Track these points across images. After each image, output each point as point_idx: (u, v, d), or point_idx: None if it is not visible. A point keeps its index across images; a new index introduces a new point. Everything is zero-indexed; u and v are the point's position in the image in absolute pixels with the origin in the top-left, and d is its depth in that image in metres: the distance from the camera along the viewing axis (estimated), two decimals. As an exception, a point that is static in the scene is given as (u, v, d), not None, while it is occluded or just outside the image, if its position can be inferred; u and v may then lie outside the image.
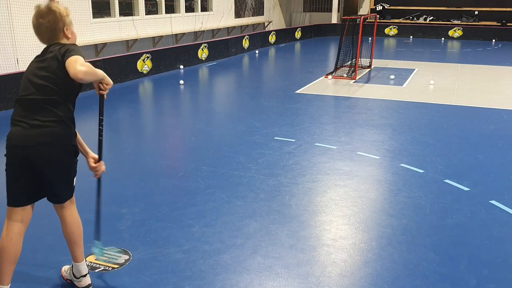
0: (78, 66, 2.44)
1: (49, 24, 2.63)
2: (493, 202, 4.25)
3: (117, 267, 3.19)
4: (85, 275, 2.92)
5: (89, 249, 3.39)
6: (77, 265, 2.91)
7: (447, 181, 4.72)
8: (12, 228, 2.65)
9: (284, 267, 3.21)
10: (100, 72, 2.66)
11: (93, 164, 2.96)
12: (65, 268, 3.06)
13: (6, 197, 2.68)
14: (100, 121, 2.92)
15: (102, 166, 2.99)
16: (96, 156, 2.97)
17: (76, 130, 2.77)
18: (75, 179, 2.81)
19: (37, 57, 2.70)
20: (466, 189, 4.53)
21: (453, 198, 4.32)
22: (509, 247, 3.51)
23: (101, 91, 2.79)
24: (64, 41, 2.70)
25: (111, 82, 2.75)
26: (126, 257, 3.31)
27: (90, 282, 2.95)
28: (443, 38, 19.81)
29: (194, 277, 3.09)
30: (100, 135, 2.93)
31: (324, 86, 9.93)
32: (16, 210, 2.66)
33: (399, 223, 3.85)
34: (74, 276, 2.93)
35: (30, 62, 2.74)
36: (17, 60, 8.39)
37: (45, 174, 2.64)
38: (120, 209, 4.04)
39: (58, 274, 3.11)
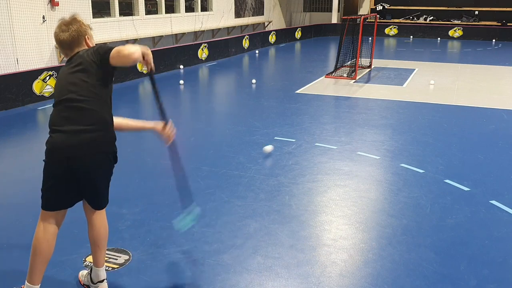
0: (126, 49, 2.40)
1: (74, 32, 2.66)
2: (493, 202, 4.25)
3: (117, 267, 3.19)
4: (102, 281, 2.89)
5: (90, 249, 3.40)
6: (97, 270, 2.87)
7: (447, 181, 4.72)
8: (48, 229, 2.68)
9: (284, 267, 3.21)
10: (139, 47, 2.47)
11: (163, 131, 2.99)
12: (83, 273, 3.02)
13: (39, 198, 2.68)
14: (155, 90, 2.91)
15: (172, 128, 2.99)
16: (160, 122, 2.97)
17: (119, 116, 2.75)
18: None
19: (67, 64, 2.68)
20: (466, 189, 4.53)
21: (453, 198, 4.32)
22: (509, 247, 3.50)
23: (146, 70, 2.69)
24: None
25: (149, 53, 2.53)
26: (126, 257, 3.31)
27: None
28: (439, 38, 19.80)
29: (194, 277, 3.08)
30: (158, 99, 2.92)
31: (324, 86, 9.93)
32: (51, 213, 2.68)
33: (399, 223, 3.85)
34: (92, 281, 2.90)
35: (61, 70, 2.72)
36: (17, 60, 8.39)
37: (87, 182, 2.67)
38: (120, 209, 4.04)
39: (74, 274, 3.11)
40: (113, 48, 2.48)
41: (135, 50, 2.39)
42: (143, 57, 2.46)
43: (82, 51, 2.64)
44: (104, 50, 2.52)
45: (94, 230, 2.81)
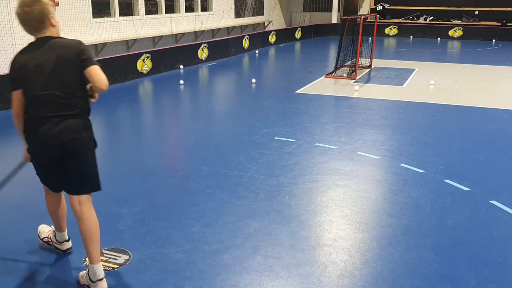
0: (106, 80, 2.73)
1: (36, 13, 2.72)
2: (493, 202, 4.25)
3: (117, 267, 3.19)
4: (101, 279, 2.87)
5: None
6: (93, 267, 2.86)
7: (447, 181, 4.72)
8: (53, 198, 3.10)
9: (284, 267, 3.21)
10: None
11: None
12: (82, 274, 3.01)
13: (39, 198, 3.01)
14: None
15: None
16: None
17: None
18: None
19: (32, 49, 2.76)
20: (466, 189, 4.53)
21: (453, 198, 4.32)
22: (509, 247, 3.50)
23: (94, 99, 2.94)
24: (51, 29, 2.81)
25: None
26: (126, 257, 3.31)
27: (106, 287, 2.91)
28: (439, 38, 19.80)
29: (194, 277, 3.08)
30: None
31: (324, 86, 9.93)
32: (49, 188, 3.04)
33: (399, 223, 3.85)
34: (90, 280, 2.87)
35: (20, 53, 2.80)
36: (17, 60, 8.38)
37: (71, 166, 2.82)
38: (120, 209, 4.04)
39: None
40: (95, 64, 2.74)
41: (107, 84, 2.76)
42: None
43: (56, 40, 2.77)
44: (91, 61, 2.75)
45: (84, 225, 2.84)
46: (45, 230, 3.42)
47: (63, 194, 3.14)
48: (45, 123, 2.69)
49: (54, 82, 2.70)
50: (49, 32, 2.80)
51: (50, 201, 3.13)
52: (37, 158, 2.85)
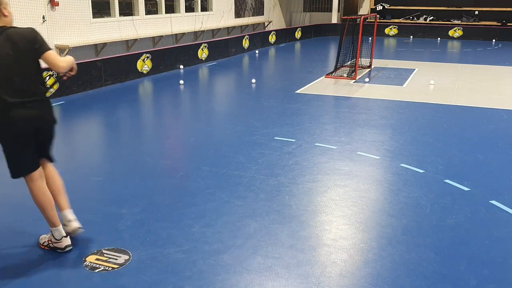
0: (60, 62, 3.10)
1: None
2: (493, 202, 4.25)
3: (117, 267, 3.19)
4: (73, 220, 3.37)
5: (90, 249, 3.40)
6: (65, 212, 3.31)
7: (447, 181, 4.72)
8: (40, 185, 3.24)
9: (284, 267, 3.21)
10: (71, 61, 3.23)
11: None
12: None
13: (11, 170, 3.21)
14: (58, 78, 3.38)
15: None
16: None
17: None
18: None
19: None
20: (466, 189, 4.53)
21: (453, 198, 4.32)
22: (509, 247, 3.50)
23: (64, 78, 3.33)
24: (3, 19, 3.01)
25: (76, 68, 3.32)
26: (126, 257, 3.31)
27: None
28: (439, 38, 19.80)
29: (194, 277, 3.08)
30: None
31: (324, 86, 9.93)
32: (34, 172, 3.20)
33: (399, 223, 3.85)
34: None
35: None
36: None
37: (44, 139, 3.26)
38: (120, 209, 4.04)
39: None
40: (48, 49, 3.07)
41: (66, 66, 3.16)
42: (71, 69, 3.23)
43: (13, 32, 3.00)
44: (45, 46, 3.06)
45: (54, 178, 3.37)
46: (45, 236, 3.46)
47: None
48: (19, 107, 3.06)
49: (13, 71, 3.00)
50: (2, 22, 3.03)
51: (37, 188, 3.23)
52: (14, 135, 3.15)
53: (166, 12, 12.76)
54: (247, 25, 17.15)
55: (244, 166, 5.09)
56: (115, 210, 4.01)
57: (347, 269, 3.20)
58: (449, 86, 9.78)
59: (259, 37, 16.52)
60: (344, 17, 11.51)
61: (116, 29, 10.84)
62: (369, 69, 11.91)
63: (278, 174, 4.87)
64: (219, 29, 15.22)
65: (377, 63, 12.73)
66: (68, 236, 3.36)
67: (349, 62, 11.71)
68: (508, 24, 19.53)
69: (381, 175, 4.91)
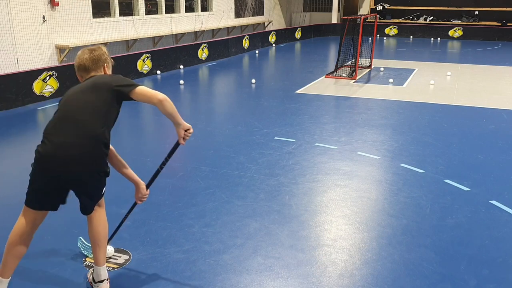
0: (153, 96, 2.93)
1: (95, 56, 2.88)
2: (493, 202, 4.25)
3: (117, 267, 3.19)
4: (102, 281, 2.87)
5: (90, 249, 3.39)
6: (97, 269, 2.88)
7: (447, 181, 4.72)
8: (25, 227, 2.70)
9: (284, 267, 3.21)
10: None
11: (141, 192, 3.22)
12: (91, 271, 3.02)
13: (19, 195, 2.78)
14: (166, 160, 3.22)
15: (146, 195, 3.26)
16: (143, 183, 3.23)
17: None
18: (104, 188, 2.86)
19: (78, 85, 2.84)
20: (466, 189, 4.53)
21: (453, 198, 4.32)
22: (509, 247, 3.50)
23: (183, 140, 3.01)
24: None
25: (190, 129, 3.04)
26: (126, 257, 3.31)
27: None
28: (439, 38, 19.79)
29: (194, 277, 3.08)
30: (161, 167, 3.23)
31: (324, 86, 9.93)
32: (32, 211, 2.70)
33: (399, 223, 3.85)
34: (93, 280, 2.90)
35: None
36: (17, 60, 8.39)
37: (75, 190, 2.73)
38: (120, 209, 4.03)
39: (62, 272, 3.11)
40: (136, 85, 2.82)
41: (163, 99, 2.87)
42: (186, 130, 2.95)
43: (98, 75, 2.83)
44: (132, 86, 2.83)
45: (93, 228, 2.82)
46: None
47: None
48: None
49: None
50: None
51: (15, 226, 2.74)
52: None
53: (166, 12, 12.77)
54: (247, 25, 17.15)
55: (244, 166, 5.09)
56: (115, 210, 4.01)
57: (347, 269, 3.20)
58: (449, 86, 9.78)
59: (259, 37, 16.52)
60: (344, 17, 11.51)
61: (116, 29, 10.84)
62: (369, 69, 11.90)
63: (278, 174, 4.87)
64: (219, 29, 15.22)
65: (377, 63, 12.72)
66: None
67: (349, 62, 11.71)
68: (508, 24, 19.52)
69: (381, 175, 4.91)
